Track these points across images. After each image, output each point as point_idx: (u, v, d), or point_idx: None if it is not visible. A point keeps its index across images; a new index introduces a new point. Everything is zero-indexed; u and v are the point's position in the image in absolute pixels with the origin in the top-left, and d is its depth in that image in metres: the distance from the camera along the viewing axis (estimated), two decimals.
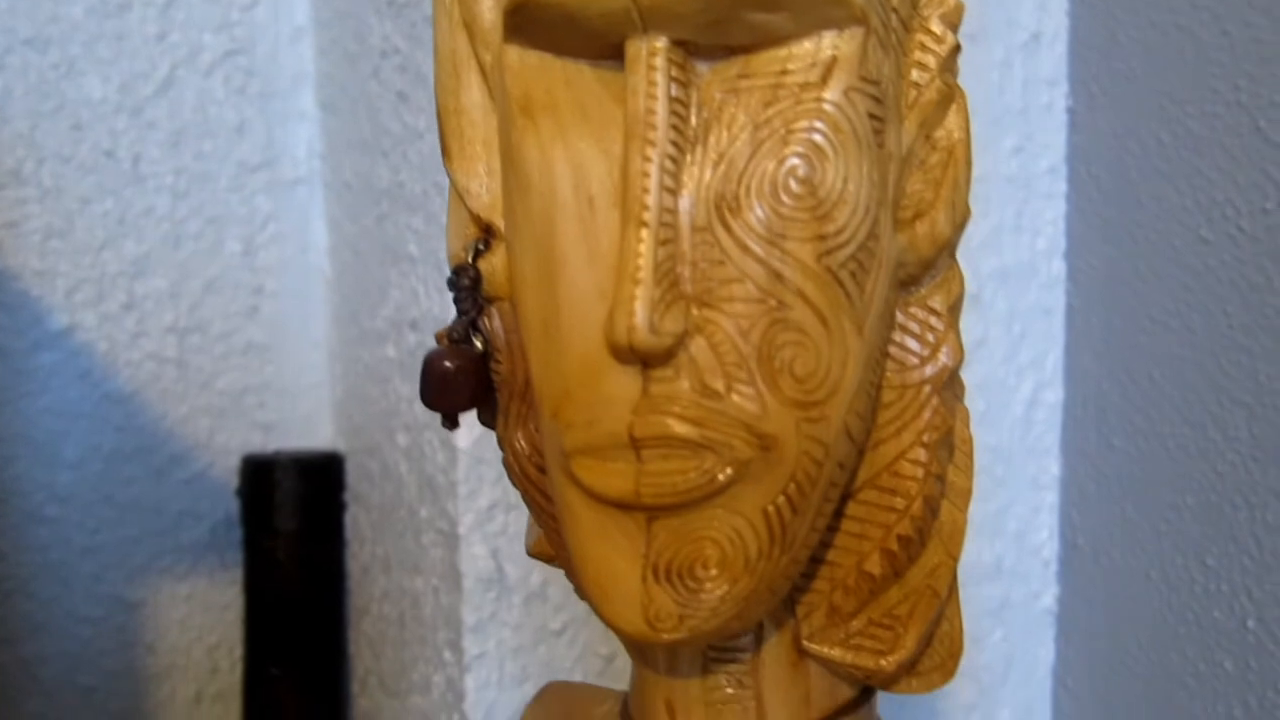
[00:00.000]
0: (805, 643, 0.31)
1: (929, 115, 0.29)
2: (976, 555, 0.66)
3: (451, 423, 0.33)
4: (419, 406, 0.69)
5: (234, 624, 0.85)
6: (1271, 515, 0.60)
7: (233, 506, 0.85)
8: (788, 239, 0.27)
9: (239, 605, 0.84)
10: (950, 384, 0.31)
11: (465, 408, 0.32)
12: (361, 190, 0.77)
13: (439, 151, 0.62)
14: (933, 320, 0.30)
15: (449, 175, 0.33)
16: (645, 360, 0.27)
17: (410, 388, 0.69)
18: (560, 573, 0.63)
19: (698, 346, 0.27)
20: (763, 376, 0.27)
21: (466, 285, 0.32)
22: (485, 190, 0.32)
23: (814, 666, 0.32)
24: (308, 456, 0.84)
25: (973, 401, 0.32)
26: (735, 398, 0.27)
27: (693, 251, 0.27)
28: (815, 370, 0.27)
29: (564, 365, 0.29)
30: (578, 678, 0.64)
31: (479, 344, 0.32)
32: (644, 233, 0.27)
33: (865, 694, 0.33)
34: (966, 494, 0.31)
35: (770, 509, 0.27)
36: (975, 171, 0.30)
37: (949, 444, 0.31)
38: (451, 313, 0.62)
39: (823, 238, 0.27)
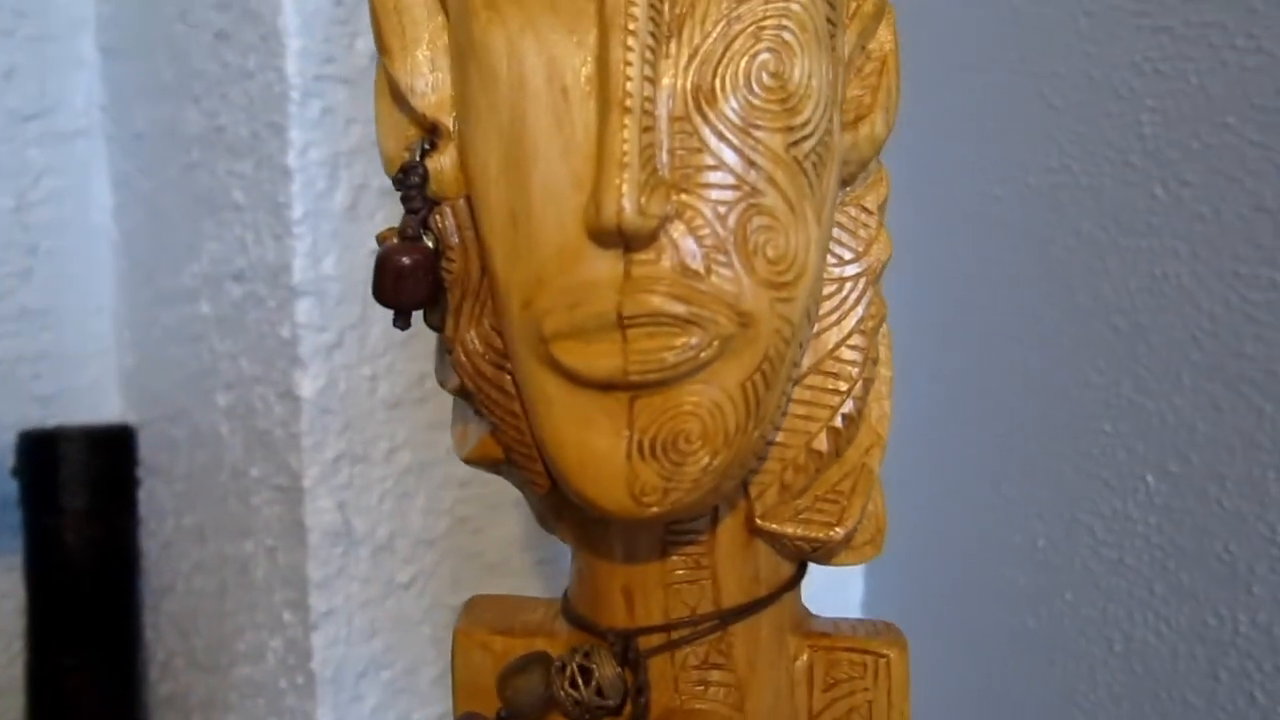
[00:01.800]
0: (759, 521, 0.33)
1: (866, 25, 0.32)
2: None
3: (405, 321, 0.32)
4: (245, 362, 0.66)
5: (12, 614, 0.78)
6: (1061, 446, 0.67)
7: (9, 487, 0.78)
8: (760, 129, 0.29)
9: (20, 593, 0.77)
10: (879, 278, 0.33)
11: (421, 304, 0.32)
12: (160, 139, 0.73)
13: (275, 89, 0.61)
14: (864, 218, 0.33)
15: (390, 75, 0.33)
16: (629, 243, 0.28)
17: (233, 343, 0.66)
18: (408, 524, 0.62)
19: (677, 230, 0.28)
20: (740, 258, 0.29)
21: (416, 183, 0.31)
22: (431, 88, 0.32)
23: (762, 545, 0.34)
24: (96, 430, 0.79)
25: None
26: (715, 278, 0.28)
27: (670, 140, 0.29)
28: (785, 253, 0.29)
29: (537, 254, 0.29)
30: (426, 631, 0.64)
31: (429, 242, 0.32)
32: (628, 119, 0.28)
33: (800, 572, 0.35)
34: (889, 382, 0.34)
35: (748, 384, 0.29)
36: None
37: (880, 332, 0.33)
38: (297, 258, 0.60)
39: (791, 129, 0.29)
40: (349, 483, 0.61)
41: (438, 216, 0.32)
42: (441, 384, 0.35)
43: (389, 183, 0.63)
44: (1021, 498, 0.70)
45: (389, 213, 0.62)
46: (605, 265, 0.29)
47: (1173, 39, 0.61)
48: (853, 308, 0.32)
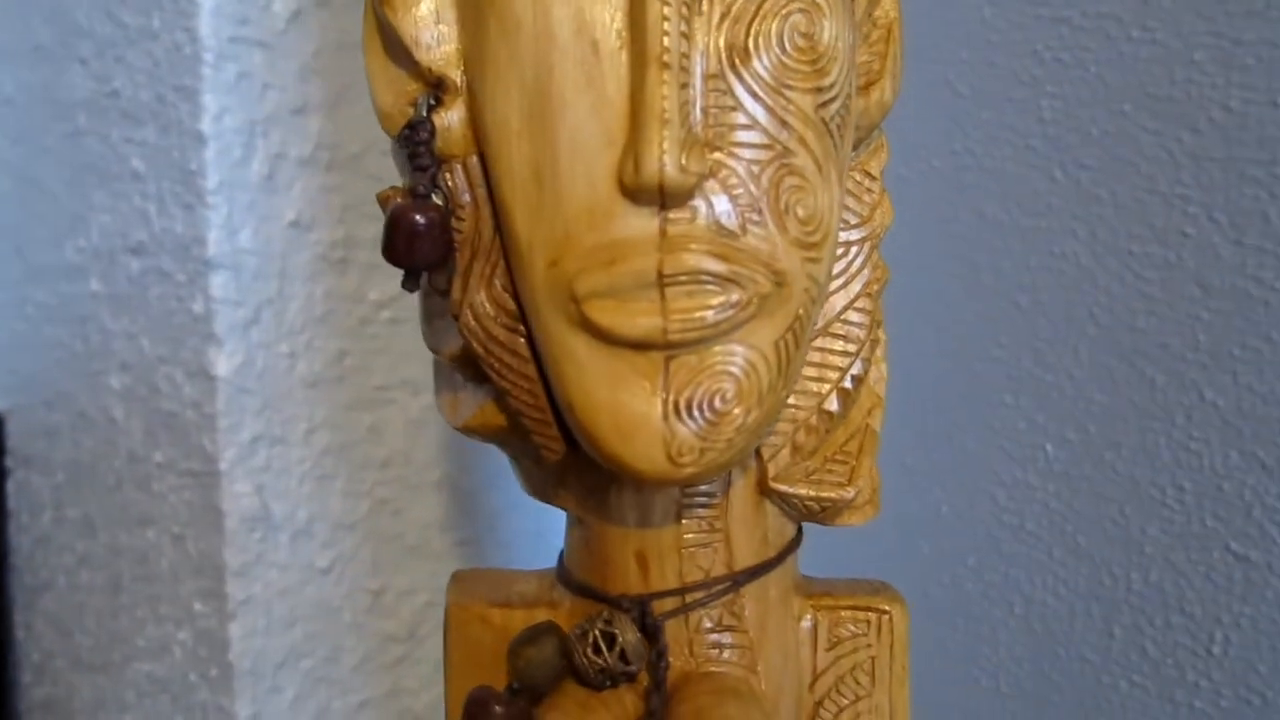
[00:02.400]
0: (772, 483, 0.33)
1: None
2: None
3: (415, 282, 0.31)
4: (146, 341, 0.62)
5: None
6: (964, 418, 0.70)
7: None
8: (791, 89, 0.29)
9: None
10: (881, 243, 0.34)
11: (435, 264, 0.31)
12: (34, 106, 0.68)
13: (185, 51, 0.57)
14: (869, 184, 0.33)
15: (392, 28, 0.31)
16: (667, 201, 0.28)
17: (130, 321, 0.62)
18: (328, 507, 0.60)
19: (712, 189, 0.28)
20: (773, 218, 0.29)
21: (424, 139, 0.30)
22: (437, 41, 0.31)
23: (770, 507, 0.34)
24: None
25: None
26: (750, 238, 0.29)
27: (704, 98, 0.28)
28: (814, 214, 0.30)
29: (564, 211, 0.29)
30: (346, 616, 0.62)
31: (439, 201, 0.31)
32: (667, 75, 0.27)
33: (800, 533, 0.36)
34: (884, 345, 0.35)
35: (780, 343, 0.29)
36: None
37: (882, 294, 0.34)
38: (212, 230, 0.57)
39: (820, 90, 0.29)
40: (267, 465, 0.59)
41: (447, 175, 0.31)
42: (435, 350, 0.34)
43: (308, 152, 0.61)
44: (925, 467, 0.72)
45: (307, 184, 0.59)
46: (640, 223, 0.28)
47: (1072, 30, 0.64)
48: (859, 271, 0.33)
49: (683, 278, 0.28)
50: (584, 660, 0.32)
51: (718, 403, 0.29)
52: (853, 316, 0.33)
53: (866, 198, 0.33)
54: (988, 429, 0.70)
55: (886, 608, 0.35)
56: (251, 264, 0.58)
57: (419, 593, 0.64)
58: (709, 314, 0.28)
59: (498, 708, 0.31)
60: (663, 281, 0.28)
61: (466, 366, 0.34)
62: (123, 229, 0.62)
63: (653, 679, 0.32)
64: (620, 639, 0.31)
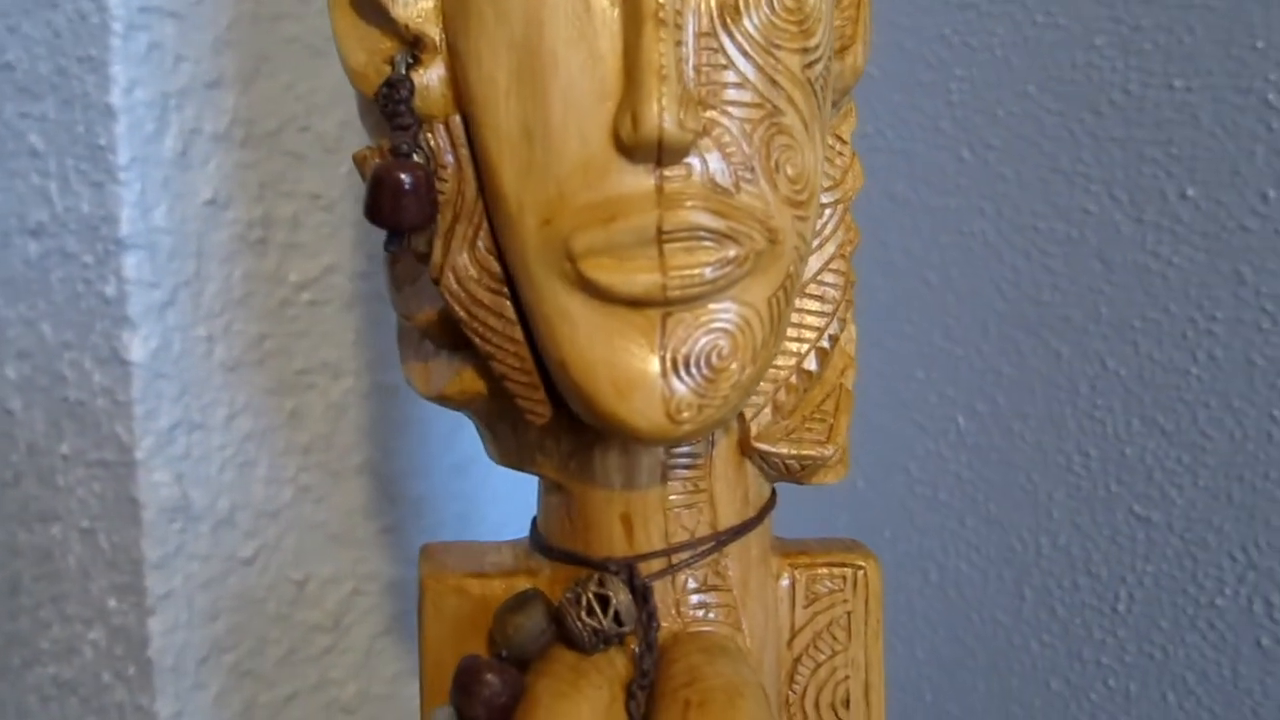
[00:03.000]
0: (755, 442, 0.33)
1: None
2: None
3: (400, 243, 0.31)
4: (47, 327, 0.59)
5: None
6: (877, 393, 0.72)
7: None
8: (780, 48, 0.29)
9: None
10: (852, 205, 0.35)
11: (422, 224, 0.30)
12: None
13: (92, 20, 0.55)
14: (840, 147, 0.34)
15: None
16: (664, 158, 0.28)
17: (27, 306, 0.59)
18: (250, 495, 0.58)
19: (706, 146, 0.29)
20: (765, 175, 0.29)
21: (404, 97, 0.30)
22: None
23: (749, 467, 0.34)
24: None
25: None
26: (744, 195, 0.29)
27: (696, 56, 0.29)
28: (803, 172, 0.30)
29: (557, 170, 0.29)
30: (271, 607, 0.60)
31: (420, 161, 0.30)
32: (664, 31, 0.27)
33: (775, 493, 0.36)
34: (853, 306, 0.35)
35: (773, 299, 0.30)
36: None
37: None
38: (125, 208, 0.54)
39: (806, 50, 0.30)
40: (186, 453, 0.57)
41: (428, 135, 0.30)
42: (407, 317, 0.34)
43: (223, 128, 0.59)
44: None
45: (222, 161, 0.57)
46: (636, 181, 0.28)
47: (979, 14, 0.66)
48: (833, 233, 0.34)
49: (682, 234, 0.28)
50: (577, 624, 0.31)
51: (715, 359, 0.29)
52: (828, 278, 0.34)
53: (839, 161, 0.34)
54: (900, 404, 0.72)
55: (861, 563, 0.36)
56: (166, 244, 0.55)
57: (344, 581, 0.63)
58: (707, 270, 0.28)
59: (490, 675, 0.31)
60: (662, 238, 0.28)
61: (440, 333, 0.33)
62: (19, 210, 0.59)
63: (643, 640, 0.32)
64: (614, 600, 0.31)
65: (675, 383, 0.29)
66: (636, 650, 0.32)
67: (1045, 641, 0.69)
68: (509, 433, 0.34)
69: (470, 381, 0.33)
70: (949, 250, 0.69)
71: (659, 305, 0.29)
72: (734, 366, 0.29)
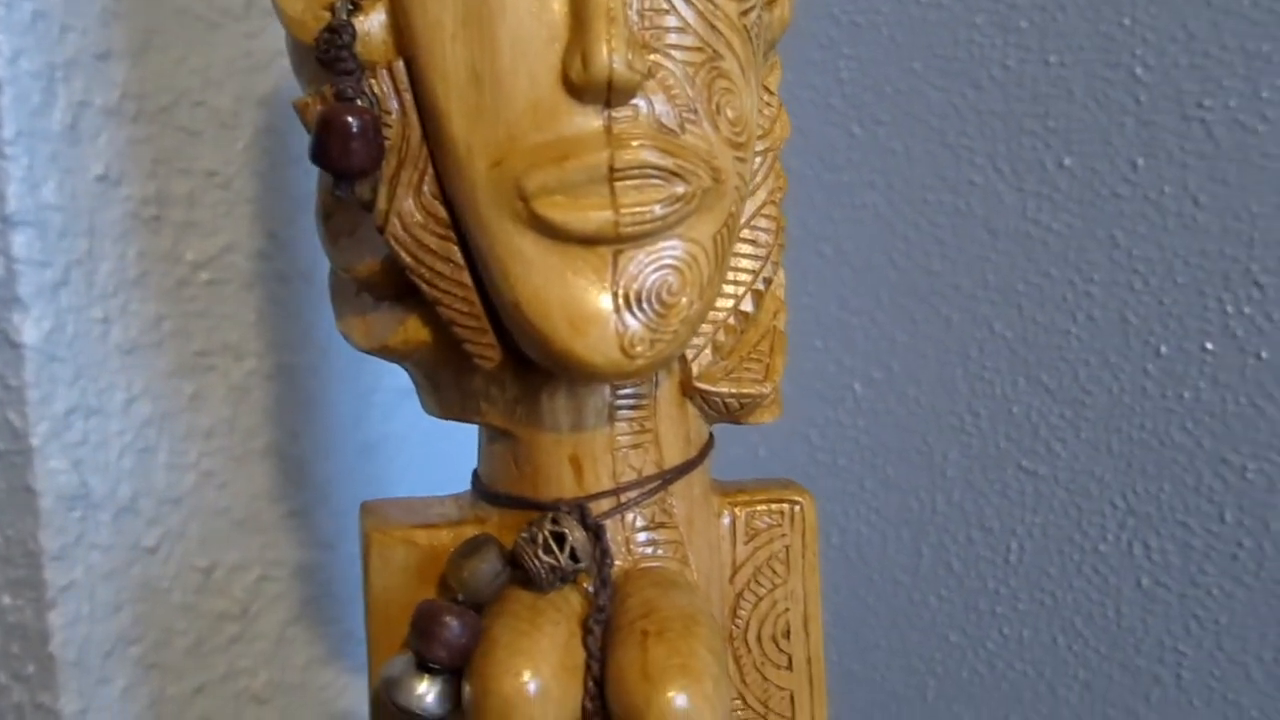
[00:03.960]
0: (696, 382, 0.34)
1: None
2: None
3: (349, 189, 0.30)
4: None
5: None
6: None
7: None
8: None
9: None
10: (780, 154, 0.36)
11: (369, 169, 0.30)
12: None
13: None
14: (767, 98, 0.35)
15: None
16: (613, 98, 0.29)
17: None
18: (151, 482, 0.57)
19: (651, 89, 0.29)
20: (707, 117, 0.30)
21: (347, 42, 0.30)
22: None
23: (690, 408, 0.35)
24: None
25: None
26: (689, 136, 0.30)
27: (639, 1, 0.29)
28: (741, 115, 0.31)
29: (506, 112, 0.29)
30: (176, 596, 0.58)
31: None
32: None
33: (712, 437, 0.37)
34: (782, 249, 0.37)
35: (717, 236, 0.31)
36: None
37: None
38: (12, 184, 0.52)
39: None
40: (84, 439, 0.55)
41: (371, 80, 0.30)
42: (346, 269, 0.33)
43: (114, 102, 0.57)
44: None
45: (114, 135, 0.55)
46: (585, 121, 0.29)
47: None
48: (764, 180, 0.35)
49: (633, 172, 0.29)
50: (535, 562, 0.32)
51: (665, 295, 0.30)
52: (760, 223, 0.35)
53: (767, 111, 0.35)
54: (800, 373, 0.74)
55: (798, 499, 0.37)
56: (57, 221, 0.53)
57: (250, 568, 0.61)
58: (657, 208, 0.29)
59: (449, 618, 0.31)
60: (613, 176, 0.29)
61: (382, 284, 0.33)
62: None
63: (598, 577, 0.32)
64: (569, 537, 0.31)
65: (628, 318, 0.30)
66: (591, 587, 0.33)
67: (943, 596, 0.72)
68: (451, 382, 0.34)
69: (415, 330, 0.33)
70: (842, 224, 0.71)
71: (611, 243, 0.29)
72: (684, 301, 0.30)
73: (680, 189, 0.29)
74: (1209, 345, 0.62)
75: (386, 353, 0.34)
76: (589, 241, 0.29)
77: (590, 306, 0.29)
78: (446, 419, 0.36)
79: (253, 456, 0.61)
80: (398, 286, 0.33)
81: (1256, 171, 0.59)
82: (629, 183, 0.29)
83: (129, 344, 0.56)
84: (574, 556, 0.31)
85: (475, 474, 0.37)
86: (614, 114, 0.29)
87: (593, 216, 0.29)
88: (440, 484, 0.68)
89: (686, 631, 0.31)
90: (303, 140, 0.65)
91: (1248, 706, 0.63)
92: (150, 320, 0.57)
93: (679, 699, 0.30)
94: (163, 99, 0.57)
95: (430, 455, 0.68)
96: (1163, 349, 0.63)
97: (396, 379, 0.68)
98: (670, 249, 0.30)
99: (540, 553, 0.31)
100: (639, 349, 0.30)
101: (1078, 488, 0.67)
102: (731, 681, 0.34)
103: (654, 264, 0.30)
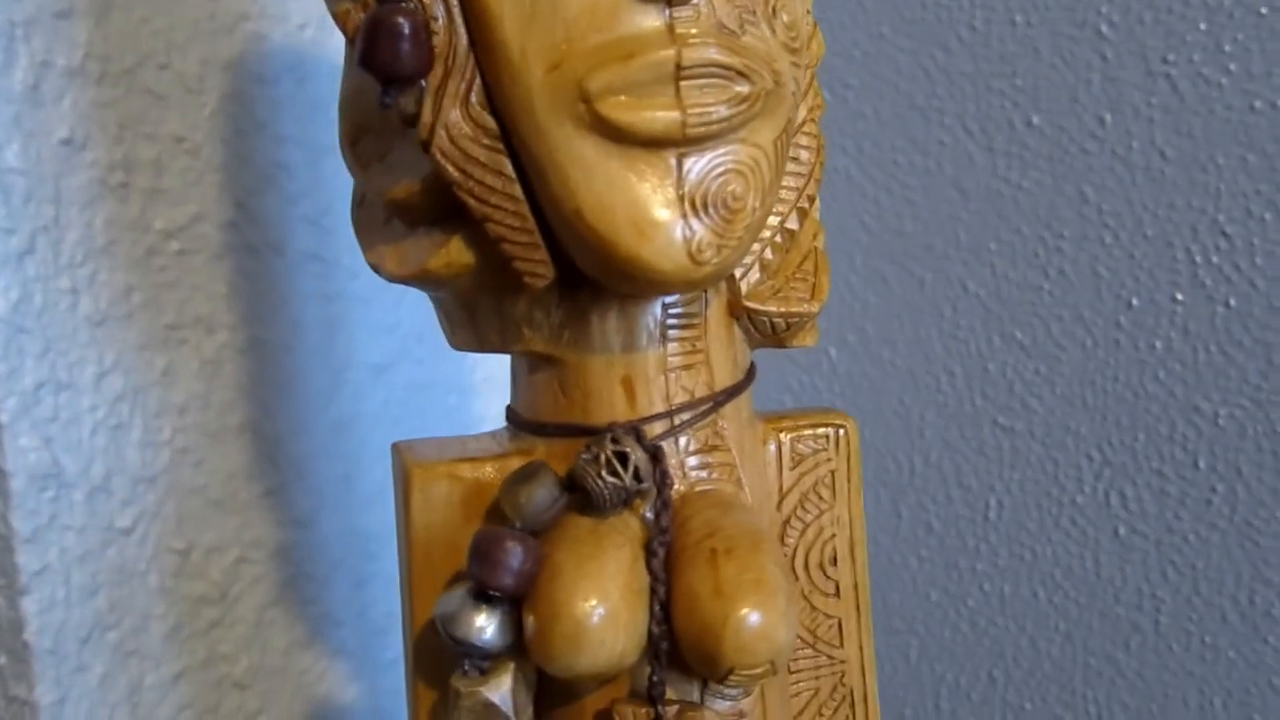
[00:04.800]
0: (746, 301, 0.34)
1: None
2: None
3: (397, 94, 0.29)
4: None
5: None
6: None
7: None
8: None
9: None
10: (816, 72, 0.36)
11: (418, 74, 0.29)
12: None
13: None
14: (804, 15, 0.35)
15: None
16: None
17: None
18: (125, 460, 0.54)
19: None
20: (764, 19, 0.30)
21: None
22: None
23: (736, 331, 0.35)
24: None
25: None
26: (749, 37, 0.29)
27: None
28: (795, 20, 0.31)
29: (564, 13, 0.28)
30: (153, 579, 0.56)
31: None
32: None
33: (753, 363, 0.36)
34: (823, 167, 0.36)
35: (778, 141, 0.30)
36: None
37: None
38: None
39: None
40: (54, 415, 0.52)
41: None
42: (381, 194, 0.32)
43: (77, 62, 0.55)
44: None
45: (77, 98, 0.53)
46: (646, 21, 0.28)
47: None
48: (804, 95, 0.34)
49: (699, 70, 0.28)
50: (598, 483, 0.31)
51: (730, 200, 0.29)
52: (802, 140, 0.34)
53: (806, 26, 0.35)
54: None
55: (842, 423, 0.37)
56: (21, 185, 0.51)
57: (228, 549, 0.59)
58: (722, 108, 0.29)
59: (512, 543, 0.30)
60: (679, 75, 0.28)
61: (419, 208, 0.32)
62: None
63: (659, 497, 0.31)
64: (632, 456, 0.31)
65: (695, 223, 0.29)
66: (648, 512, 0.32)
67: (923, 556, 0.73)
68: (491, 309, 0.33)
69: (458, 253, 0.32)
70: None
71: (676, 145, 0.29)
72: (749, 205, 0.29)
73: (744, 89, 0.29)
74: (1179, 296, 0.63)
75: (425, 277, 0.32)
76: (653, 144, 0.29)
77: (656, 211, 0.29)
78: (482, 351, 0.35)
79: (228, 433, 0.59)
80: (437, 208, 0.31)
81: (1221, 124, 0.61)
82: (695, 82, 0.28)
83: (99, 315, 0.54)
84: (637, 476, 0.31)
85: (510, 409, 0.36)
86: (675, 13, 0.28)
87: (659, 117, 0.28)
88: None
89: (755, 548, 0.30)
90: (268, 108, 0.63)
91: (1224, 648, 0.65)
92: (120, 291, 0.54)
93: (753, 615, 0.30)
94: (126, 61, 0.54)
95: (405, 435, 0.66)
96: (1134, 301, 0.64)
97: (369, 355, 0.66)
98: (733, 153, 0.29)
99: (604, 473, 0.30)
100: (707, 254, 0.29)
101: (1054, 442, 0.68)
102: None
103: (718, 168, 0.29)
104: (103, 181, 0.54)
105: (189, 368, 0.57)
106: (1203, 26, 0.61)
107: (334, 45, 0.64)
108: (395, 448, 0.35)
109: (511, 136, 0.30)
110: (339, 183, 0.64)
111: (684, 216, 0.29)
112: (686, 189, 0.29)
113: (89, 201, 0.53)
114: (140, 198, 0.55)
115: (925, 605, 0.73)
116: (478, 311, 0.34)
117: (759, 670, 0.30)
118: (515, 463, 0.33)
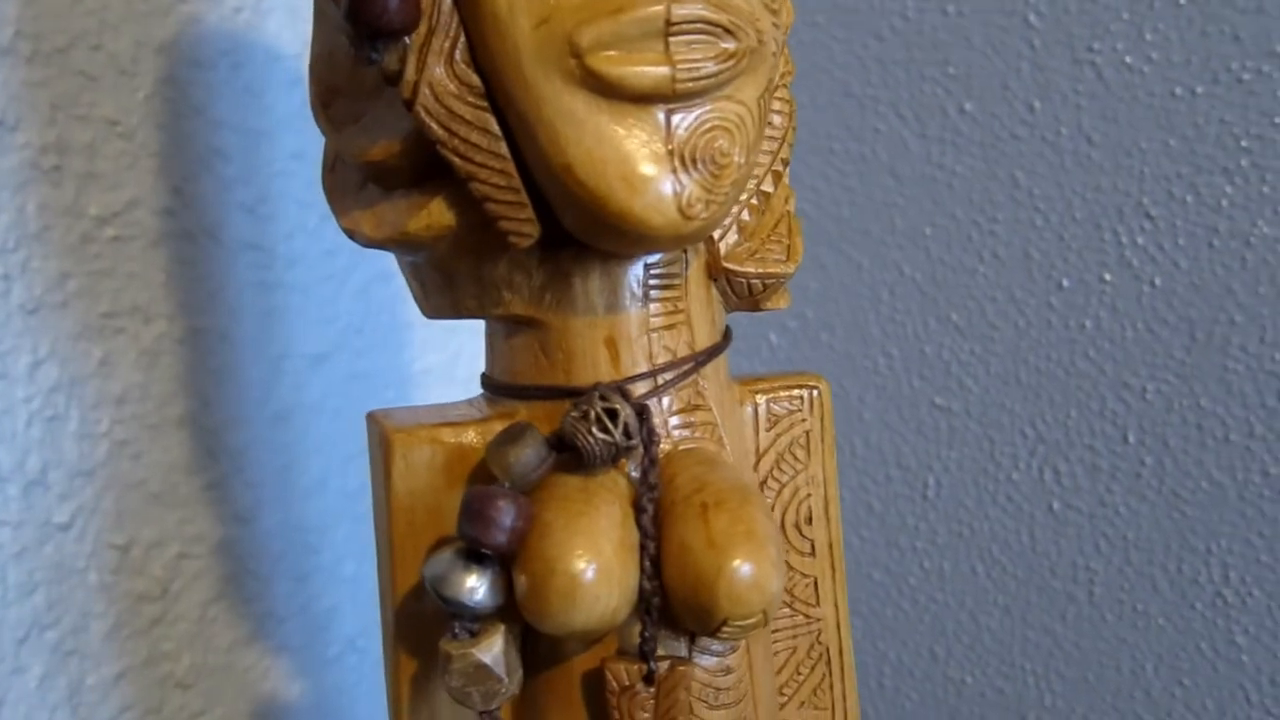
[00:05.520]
0: (725, 263, 0.34)
1: None
2: None
3: (384, 50, 0.29)
4: None
5: None
6: None
7: None
8: None
9: None
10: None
11: (406, 28, 0.29)
12: None
13: None
14: None
15: None
16: None
17: None
18: (62, 453, 0.52)
19: None
20: None
21: None
22: None
23: (714, 292, 0.35)
24: None
25: None
26: None
27: None
28: None
29: None
30: (92, 577, 0.54)
31: None
32: None
33: (729, 327, 0.37)
34: (794, 131, 0.37)
35: (761, 99, 0.31)
36: None
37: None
38: None
39: None
40: None
41: None
42: (358, 156, 0.32)
43: (7, 40, 0.53)
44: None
45: (7, 78, 0.51)
46: None
47: None
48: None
49: (688, 26, 0.28)
50: (589, 439, 0.31)
51: (718, 155, 0.30)
52: (775, 104, 0.35)
53: (775, 4, 0.35)
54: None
55: (815, 384, 0.37)
56: None
57: (169, 544, 0.57)
58: (710, 64, 0.29)
59: (503, 501, 0.30)
60: (669, 30, 0.28)
61: (397, 170, 0.31)
62: None
63: (646, 456, 0.32)
64: (622, 412, 0.31)
65: (684, 178, 0.29)
66: (634, 470, 0.32)
67: (864, 536, 0.74)
68: (470, 273, 0.33)
69: (439, 214, 0.31)
70: None
71: (665, 100, 0.29)
72: (735, 161, 0.30)
73: (731, 45, 0.29)
74: (1107, 276, 0.66)
75: (403, 240, 0.32)
76: (643, 99, 0.29)
77: (646, 166, 0.29)
78: (457, 317, 0.34)
79: (167, 425, 0.57)
80: (417, 169, 0.31)
81: (1144, 110, 0.63)
82: (683, 38, 0.29)
83: (33, 303, 0.52)
84: (627, 433, 0.31)
85: (485, 376, 0.36)
86: None
87: (649, 71, 0.28)
88: (350, 456, 0.66)
89: (745, 501, 0.31)
90: (204, 92, 0.61)
91: (1155, 615, 0.67)
92: (54, 278, 0.53)
93: (746, 566, 0.30)
94: (58, 40, 0.53)
95: (344, 427, 0.65)
96: (1064, 282, 0.67)
97: (307, 345, 0.65)
98: (719, 109, 0.30)
99: (594, 429, 0.30)
100: (696, 209, 0.29)
101: (989, 420, 0.70)
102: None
103: (706, 124, 0.29)
104: (34, 164, 0.52)
105: (126, 357, 0.56)
106: (1125, 16, 0.63)
107: (269, 29, 0.63)
108: (372, 416, 0.35)
109: (497, 94, 0.30)
110: (275, 169, 0.63)
111: (674, 171, 0.29)
112: (675, 144, 0.29)
113: (21, 185, 0.52)
114: (74, 182, 0.54)
115: (867, 585, 0.74)
116: (455, 276, 0.33)
117: (752, 620, 0.30)
118: (497, 426, 0.33)
